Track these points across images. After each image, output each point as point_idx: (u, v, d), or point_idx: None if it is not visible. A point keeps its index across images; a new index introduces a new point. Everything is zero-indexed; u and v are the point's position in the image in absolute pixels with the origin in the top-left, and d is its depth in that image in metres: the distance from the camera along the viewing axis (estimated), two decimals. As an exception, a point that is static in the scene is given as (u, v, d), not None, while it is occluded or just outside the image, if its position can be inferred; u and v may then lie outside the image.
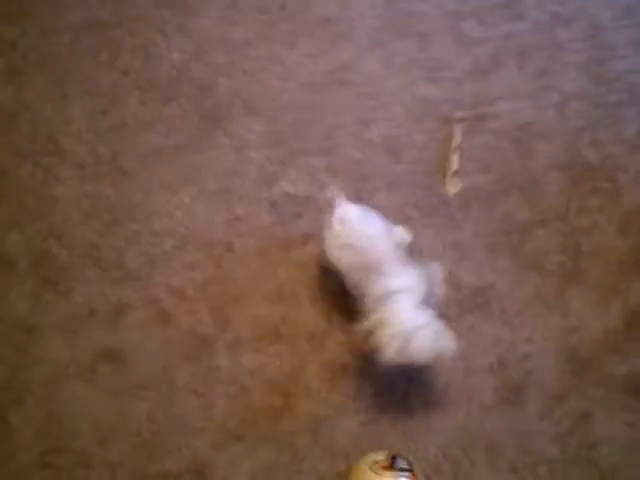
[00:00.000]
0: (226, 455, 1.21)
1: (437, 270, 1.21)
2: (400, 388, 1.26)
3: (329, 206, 1.25)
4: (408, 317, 1.15)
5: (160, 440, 1.22)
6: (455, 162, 1.44)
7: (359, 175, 1.44)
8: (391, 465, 1.13)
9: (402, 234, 1.30)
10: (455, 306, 1.33)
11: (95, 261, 1.36)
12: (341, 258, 1.23)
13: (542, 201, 1.42)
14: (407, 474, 1.12)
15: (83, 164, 1.41)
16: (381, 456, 1.15)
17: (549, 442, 1.23)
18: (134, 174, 1.41)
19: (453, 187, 1.43)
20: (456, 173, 1.44)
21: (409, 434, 1.24)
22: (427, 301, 1.18)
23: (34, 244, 1.37)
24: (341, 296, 1.27)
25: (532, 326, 1.31)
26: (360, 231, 1.23)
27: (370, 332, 1.16)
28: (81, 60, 1.47)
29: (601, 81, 1.56)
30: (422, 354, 1.14)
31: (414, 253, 1.29)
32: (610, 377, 1.28)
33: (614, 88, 1.55)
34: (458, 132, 1.47)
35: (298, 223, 1.41)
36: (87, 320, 1.32)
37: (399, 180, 1.44)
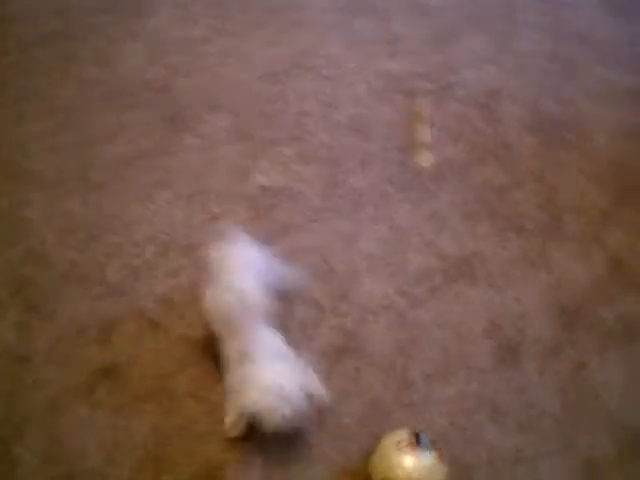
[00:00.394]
0: (238, 455, 1.21)
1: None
2: (398, 365, 1.26)
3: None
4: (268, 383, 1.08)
5: (169, 450, 1.21)
6: (426, 135, 1.44)
7: (331, 159, 1.43)
8: (416, 442, 1.13)
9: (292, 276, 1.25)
10: (440, 275, 1.33)
11: (76, 279, 1.34)
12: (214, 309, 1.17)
13: (516, 164, 1.43)
14: (433, 450, 1.13)
15: (50, 183, 1.38)
16: (402, 435, 1.14)
17: (551, 395, 1.24)
18: (105, 186, 1.39)
19: (425, 160, 1.43)
20: (427, 145, 1.43)
21: (414, 408, 1.24)
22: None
23: (12, 271, 1.34)
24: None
25: (519, 286, 1.32)
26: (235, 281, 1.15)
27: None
28: (35, 77, 1.43)
29: (558, 37, 1.56)
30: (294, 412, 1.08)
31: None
32: (600, 323, 1.30)
33: (571, 43, 1.56)
34: (425, 105, 1.47)
35: (275, 214, 1.39)
36: (77, 340, 1.29)
37: (371, 158, 1.44)
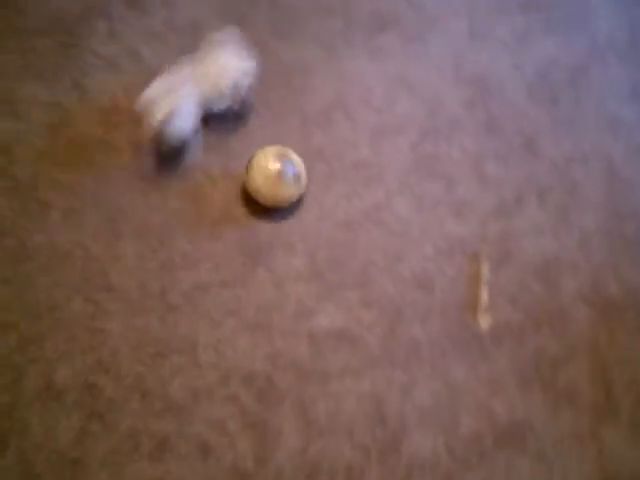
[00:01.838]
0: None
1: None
2: None
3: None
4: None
5: None
6: (485, 297, 1.52)
7: (393, 309, 1.51)
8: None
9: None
10: (490, 439, 1.36)
11: (141, 392, 1.41)
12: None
13: (571, 335, 1.48)
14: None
15: (132, 299, 1.49)
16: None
17: None
18: (180, 308, 1.49)
19: (484, 321, 1.49)
20: (486, 307, 1.51)
21: None
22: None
23: (82, 377, 1.42)
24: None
25: (568, 461, 1.33)
26: None
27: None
28: (133, 202, 1.58)
29: (619, 216, 1.65)
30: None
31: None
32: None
33: (632, 222, 1.65)
34: (486, 268, 1.55)
35: (333, 355, 1.46)
36: (132, 453, 1.35)
37: (431, 314, 1.51)
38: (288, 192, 1.54)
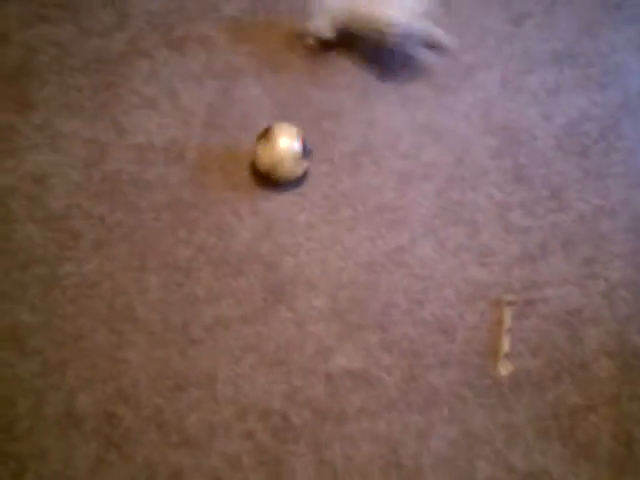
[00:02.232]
0: None
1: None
2: None
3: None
4: None
5: None
6: (506, 344, 1.50)
7: (412, 352, 1.51)
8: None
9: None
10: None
11: (158, 424, 1.42)
12: None
13: (592, 386, 1.46)
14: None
15: (155, 331, 1.51)
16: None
17: None
18: (201, 342, 1.50)
19: (504, 369, 1.48)
20: (507, 355, 1.49)
21: None
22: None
23: (102, 405, 1.44)
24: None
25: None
26: None
27: None
28: (161, 236, 1.62)
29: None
30: None
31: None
32: None
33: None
34: (508, 315, 1.54)
35: (351, 396, 1.46)
36: (145, 484, 1.36)
37: (451, 359, 1.50)
38: (295, 167, 1.65)
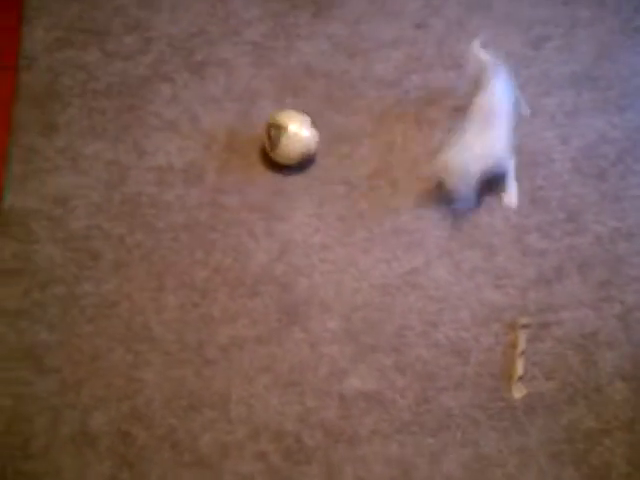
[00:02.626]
0: None
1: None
2: None
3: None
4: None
5: None
6: (520, 367, 1.49)
7: (426, 374, 1.51)
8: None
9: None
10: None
11: (171, 444, 1.44)
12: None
13: (607, 410, 1.44)
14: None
15: (170, 351, 1.53)
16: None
17: None
18: (216, 363, 1.52)
19: (518, 392, 1.47)
20: (521, 378, 1.48)
21: None
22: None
23: (117, 424, 1.46)
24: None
25: None
26: None
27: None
28: (179, 257, 1.64)
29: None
30: None
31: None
32: None
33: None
34: (523, 338, 1.54)
35: (364, 418, 1.46)
36: (158, 503, 1.37)
37: (465, 381, 1.50)
38: (302, 150, 1.73)
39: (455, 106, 1.86)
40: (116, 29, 1.97)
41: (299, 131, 1.72)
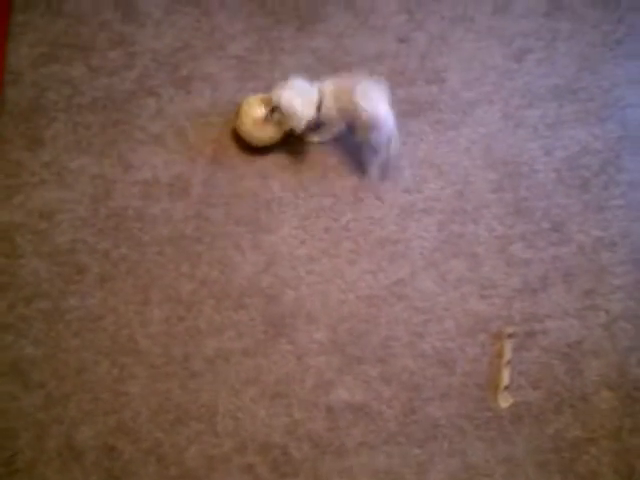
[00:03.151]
0: None
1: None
2: None
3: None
4: None
5: None
6: (506, 377, 1.50)
7: (412, 385, 1.51)
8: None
9: None
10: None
11: (157, 457, 1.43)
12: None
13: (593, 419, 1.45)
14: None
15: (156, 364, 1.53)
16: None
17: None
18: (202, 376, 1.52)
19: (504, 401, 1.48)
20: (507, 387, 1.49)
21: None
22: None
23: (103, 438, 1.45)
24: None
25: None
26: None
27: None
28: (165, 270, 1.64)
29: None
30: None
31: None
32: None
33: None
34: (508, 347, 1.54)
35: (351, 430, 1.46)
36: (144, 518, 1.36)
37: (451, 391, 1.50)
38: (273, 132, 1.76)
39: (438, 119, 1.87)
40: (101, 44, 1.97)
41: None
